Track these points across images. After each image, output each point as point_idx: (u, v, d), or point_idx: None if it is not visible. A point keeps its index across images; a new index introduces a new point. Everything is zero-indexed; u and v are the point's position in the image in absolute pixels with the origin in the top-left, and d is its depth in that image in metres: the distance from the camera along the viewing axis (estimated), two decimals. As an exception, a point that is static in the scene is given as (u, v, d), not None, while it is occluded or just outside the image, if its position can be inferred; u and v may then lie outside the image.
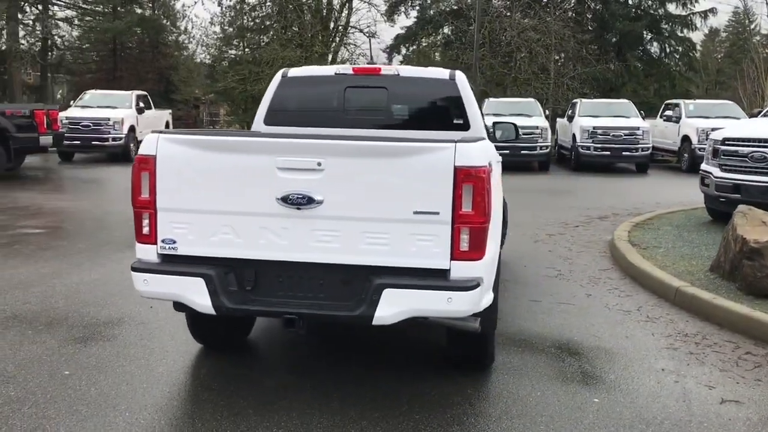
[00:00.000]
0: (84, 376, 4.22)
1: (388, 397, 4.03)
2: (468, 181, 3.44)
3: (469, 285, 3.48)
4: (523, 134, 17.66)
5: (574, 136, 18.82)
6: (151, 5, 38.97)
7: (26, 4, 33.88)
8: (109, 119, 18.39)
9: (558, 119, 22.39)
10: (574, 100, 21.73)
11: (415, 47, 38.49)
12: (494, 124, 6.72)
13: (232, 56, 33.45)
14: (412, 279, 3.48)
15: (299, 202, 3.49)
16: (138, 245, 3.75)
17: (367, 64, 32.23)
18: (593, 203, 12.38)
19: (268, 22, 33.20)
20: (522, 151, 18.26)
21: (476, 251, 3.52)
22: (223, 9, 32.94)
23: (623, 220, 10.00)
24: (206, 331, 4.58)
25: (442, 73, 5.11)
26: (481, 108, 5.88)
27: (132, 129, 19.08)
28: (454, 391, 4.14)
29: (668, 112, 20.11)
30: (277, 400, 3.95)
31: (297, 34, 31.28)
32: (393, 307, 3.45)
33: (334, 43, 31.80)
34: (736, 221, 6.28)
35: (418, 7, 38.78)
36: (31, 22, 34.73)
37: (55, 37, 35.74)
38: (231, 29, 33.30)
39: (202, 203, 3.61)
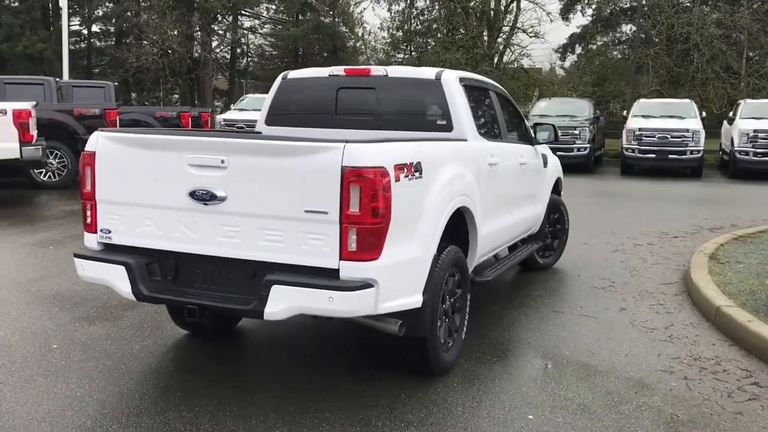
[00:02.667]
0: (66, 350, 4.69)
1: (313, 393, 4.07)
2: (355, 181, 3.43)
3: (353, 285, 3.46)
4: (672, 138, 16.60)
5: (732, 140, 17.23)
6: (331, 13, 40.86)
7: (218, 15, 36.93)
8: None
9: (725, 122, 20.56)
10: (739, 101, 19.87)
11: (590, 46, 37.11)
12: (535, 125, 6.47)
13: (399, 60, 34.25)
14: (297, 276, 3.52)
15: (204, 197, 3.66)
16: (85, 234, 4.12)
17: (523, 68, 31.58)
18: (718, 213, 11.34)
19: (435, 26, 33.63)
20: (670, 156, 17.08)
21: (367, 252, 3.49)
22: (393, 14, 33.92)
23: (735, 231, 9.10)
24: (184, 319, 4.87)
25: (429, 73, 5.01)
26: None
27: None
28: (386, 394, 4.09)
29: None
30: (211, 387, 4.14)
31: (462, 36, 31.36)
32: (281, 303, 3.52)
33: (495, 44, 31.41)
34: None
35: (595, 5, 37.41)
36: (222, 32, 37.84)
37: (243, 46, 38.61)
38: (399, 33, 34.15)
39: (130, 196, 3.90)
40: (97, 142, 3.95)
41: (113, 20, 37.51)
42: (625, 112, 19.65)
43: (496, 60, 32.03)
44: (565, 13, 37.89)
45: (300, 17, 38.39)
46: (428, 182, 3.98)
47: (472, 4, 31.68)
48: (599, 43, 36.65)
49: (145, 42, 35.09)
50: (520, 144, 6.04)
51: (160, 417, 3.75)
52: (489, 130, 5.38)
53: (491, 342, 5.06)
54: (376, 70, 5.12)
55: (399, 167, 3.66)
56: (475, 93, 5.29)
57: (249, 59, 40.15)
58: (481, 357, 4.75)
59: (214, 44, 37.70)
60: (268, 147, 3.60)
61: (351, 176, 3.43)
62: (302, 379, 4.31)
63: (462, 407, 3.98)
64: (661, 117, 17.94)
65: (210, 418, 3.75)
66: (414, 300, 3.88)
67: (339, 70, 5.23)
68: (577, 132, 17.64)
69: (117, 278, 3.87)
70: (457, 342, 4.59)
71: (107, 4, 37.88)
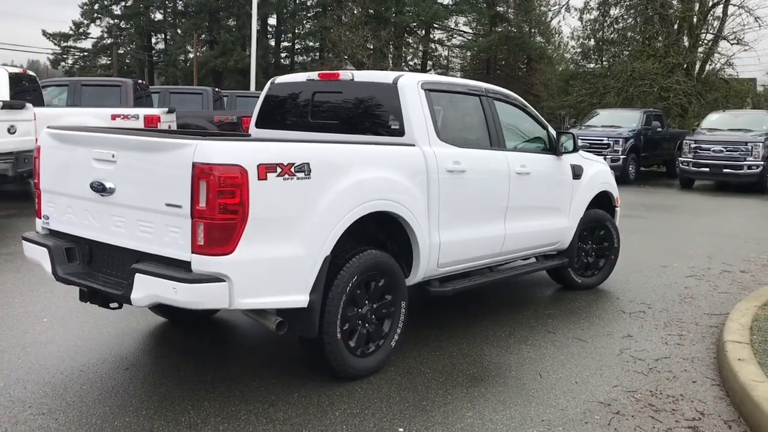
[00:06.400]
0: (50, 325, 5.22)
1: (212, 384, 4.20)
2: (204, 177, 3.54)
3: (197, 278, 3.56)
4: None
5: None
6: (525, 23, 40.39)
7: (411, 28, 38.07)
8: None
9: None
10: None
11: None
12: (558, 134, 6.08)
13: (589, 69, 32.99)
14: (154, 266, 3.69)
15: (98, 189, 3.96)
16: (36, 219, 4.62)
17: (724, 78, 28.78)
18: None
19: (630, 34, 31.92)
20: None
21: (216, 247, 3.57)
22: (584, 23, 32.75)
23: None
24: (156, 307, 5.22)
25: (388, 77, 4.92)
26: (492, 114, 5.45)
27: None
28: (281, 392, 4.12)
29: None
30: (127, 369, 4.44)
31: (660, 45, 29.40)
32: (141, 290, 3.70)
33: (692, 53, 28.99)
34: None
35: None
36: (415, 45, 38.92)
37: (435, 58, 39.42)
38: (591, 42, 32.92)
39: (58, 186, 4.31)
40: (42, 137, 4.43)
41: (317, 36, 40.05)
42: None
43: (697, 69, 29.65)
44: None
45: (492, 28, 38.38)
46: (320, 183, 3.96)
47: (671, 11, 29.60)
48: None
49: (346, 56, 37.14)
50: (522, 153, 5.70)
51: (60, 389, 4.09)
52: (463, 136, 5.17)
53: (442, 354, 4.86)
54: (344, 75, 5.16)
55: (268, 167, 3.70)
56: (448, 98, 5.13)
57: (440, 71, 40.84)
58: (414, 368, 4.59)
59: (408, 57, 38.90)
60: (141, 143, 3.83)
61: (199, 172, 3.54)
62: (222, 372, 4.44)
63: (341, 411, 3.91)
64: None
65: (99, 393, 4.04)
66: (294, 299, 3.89)
67: (314, 75, 5.34)
68: (748, 148, 15.93)
69: (43, 259, 4.29)
70: (383, 349, 4.49)
71: (312, 20, 40.55)
